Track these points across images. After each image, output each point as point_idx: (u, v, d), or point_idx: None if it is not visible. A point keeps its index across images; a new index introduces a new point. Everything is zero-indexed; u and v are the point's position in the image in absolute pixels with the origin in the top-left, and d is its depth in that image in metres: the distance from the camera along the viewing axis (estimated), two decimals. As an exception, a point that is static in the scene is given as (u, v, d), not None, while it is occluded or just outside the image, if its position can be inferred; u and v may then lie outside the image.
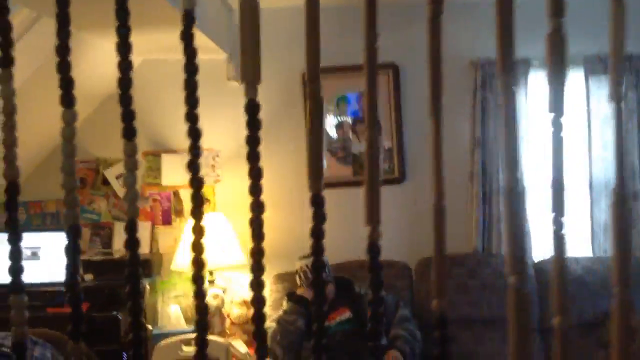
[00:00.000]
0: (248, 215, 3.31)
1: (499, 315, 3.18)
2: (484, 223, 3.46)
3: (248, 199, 3.32)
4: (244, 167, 3.35)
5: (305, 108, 3.72)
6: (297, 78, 3.55)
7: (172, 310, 3.38)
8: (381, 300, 2.41)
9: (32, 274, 3.32)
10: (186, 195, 3.58)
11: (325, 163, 3.56)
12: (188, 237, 3.26)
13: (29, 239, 3.42)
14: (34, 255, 3.40)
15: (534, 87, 3.48)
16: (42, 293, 3.21)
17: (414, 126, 3.58)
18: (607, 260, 3.30)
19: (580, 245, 3.53)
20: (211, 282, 3.27)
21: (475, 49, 3.50)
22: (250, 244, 3.36)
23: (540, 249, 3.50)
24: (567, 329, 0.89)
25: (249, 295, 3.05)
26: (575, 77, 3.49)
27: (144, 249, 3.54)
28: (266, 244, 3.30)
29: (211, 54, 3.34)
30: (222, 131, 3.55)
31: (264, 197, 3.27)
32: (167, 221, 3.60)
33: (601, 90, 3.44)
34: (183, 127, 3.21)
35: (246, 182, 3.39)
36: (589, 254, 3.49)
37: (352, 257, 3.40)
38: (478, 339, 3.17)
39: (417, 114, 3.57)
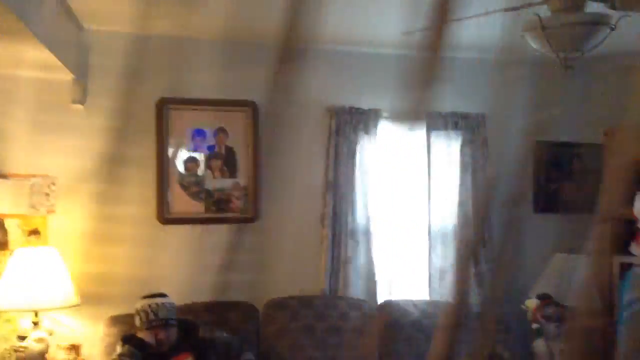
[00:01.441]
0: (85, 250, 3.02)
1: (344, 358, 3.22)
2: (333, 265, 3.52)
3: (86, 233, 3.04)
4: (83, 197, 3.09)
5: (157, 134, 3.55)
6: (151, 104, 3.40)
7: (-16, 356, 2.95)
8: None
9: None
10: (12, 225, 3.19)
11: (176, 197, 3.42)
12: (12, 272, 2.90)
13: None
14: None
15: (382, 135, 3.68)
16: None
17: (270, 165, 3.58)
18: (442, 304, 3.52)
19: (419, 289, 3.72)
20: (35, 324, 2.91)
21: (331, 97, 3.63)
22: (86, 283, 3.04)
23: (384, 291, 3.64)
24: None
25: (77, 338, 2.75)
26: (419, 130, 3.74)
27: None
28: (103, 284, 3.05)
29: (54, 72, 3.08)
30: (61, 157, 3.24)
31: (104, 232, 3.01)
32: (-12, 254, 3.17)
33: (440, 144, 3.73)
34: (14, 149, 2.89)
35: (85, 214, 3.12)
36: (426, 297, 3.69)
37: (199, 297, 3.25)
38: (322, 382, 3.17)
39: (273, 153, 3.58)
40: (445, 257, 3.69)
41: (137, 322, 2.72)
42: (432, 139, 3.71)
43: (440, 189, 3.70)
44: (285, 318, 3.26)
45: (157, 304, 2.72)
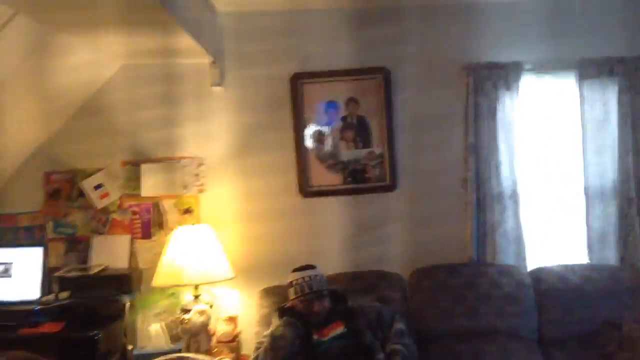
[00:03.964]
0: (234, 226, 3.12)
1: (497, 327, 3.07)
2: (479, 231, 3.35)
3: (234, 209, 3.13)
4: (229, 176, 3.19)
5: (293, 109, 3.60)
6: (285, 80, 3.42)
7: (153, 329, 3.19)
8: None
9: (4, 292, 3.12)
10: (167, 206, 3.40)
11: (315, 171, 3.43)
12: (172, 250, 3.09)
13: (0, 255, 3.21)
14: (6, 272, 3.19)
15: (526, 90, 3.41)
16: (15, 313, 3.01)
17: (404, 131, 3.47)
18: (605, 269, 3.24)
19: (576, 254, 3.44)
20: (196, 297, 3.09)
21: (467, 54, 3.42)
22: (237, 257, 3.14)
23: (536, 257, 3.41)
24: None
25: (236, 310, 2.86)
26: (568, 81, 3.42)
27: (123, 264, 3.35)
28: (253, 257, 3.13)
29: (195, 58, 3.20)
30: (206, 138, 3.40)
31: (250, 207, 3.10)
32: (146, 234, 3.41)
33: (594, 94, 3.38)
34: (163, 135, 3.05)
35: (232, 191, 3.22)
36: (585, 262, 3.40)
37: (344, 268, 3.26)
38: (475, 352, 3.04)
39: (407, 118, 3.47)
40: (605, 217, 3.36)
41: (292, 294, 2.77)
42: (585, 88, 3.36)
43: (597, 143, 3.36)
44: (433, 287, 3.16)
45: (309, 277, 2.75)
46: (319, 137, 3.48)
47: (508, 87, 3.37)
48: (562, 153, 3.46)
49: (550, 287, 3.14)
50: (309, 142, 3.46)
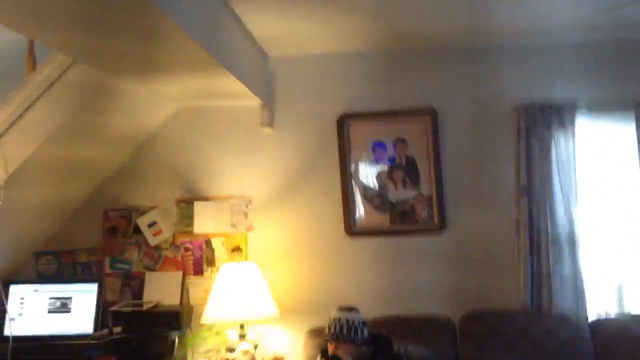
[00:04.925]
0: (281, 265, 3.15)
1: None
2: (533, 276, 3.22)
3: (280, 248, 3.16)
4: (277, 215, 3.23)
5: (340, 150, 3.61)
6: (332, 121, 3.47)
7: (201, 366, 3.22)
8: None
9: (62, 325, 3.24)
10: (218, 243, 3.47)
11: (362, 211, 3.43)
12: (219, 287, 3.14)
13: (59, 290, 3.35)
14: (65, 307, 3.32)
15: (581, 130, 3.30)
16: (70, 346, 3.11)
17: (453, 172, 3.42)
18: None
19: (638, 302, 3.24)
20: (242, 336, 3.10)
21: (519, 94, 3.36)
22: (284, 295, 3.15)
23: (595, 304, 3.23)
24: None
25: (282, 350, 2.85)
26: (625, 123, 3.29)
27: (174, 300, 3.42)
28: (300, 298, 3.14)
29: (245, 100, 3.30)
30: (255, 178, 3.47)
31: (297, 246, 3.12)
32: (198, 271, 3.48)
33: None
34: (216, 174, 3.14)
35: (279, 230, 3.26)
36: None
37: (390, 310, 3.20)
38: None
39: (456, 159, 3.42)
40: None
41: (326, 330, 2.77)
42: (643, 130, 3.23)
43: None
44: (484, 334, 3.05)
45: (339, 319, 2.72)
46: (366, 177, 3.48)
47: (563, 127, 3.27)
48: (621, 196, 3.30)
49: (610, 339, 2.96)
50: (356, 182, 3.47)
